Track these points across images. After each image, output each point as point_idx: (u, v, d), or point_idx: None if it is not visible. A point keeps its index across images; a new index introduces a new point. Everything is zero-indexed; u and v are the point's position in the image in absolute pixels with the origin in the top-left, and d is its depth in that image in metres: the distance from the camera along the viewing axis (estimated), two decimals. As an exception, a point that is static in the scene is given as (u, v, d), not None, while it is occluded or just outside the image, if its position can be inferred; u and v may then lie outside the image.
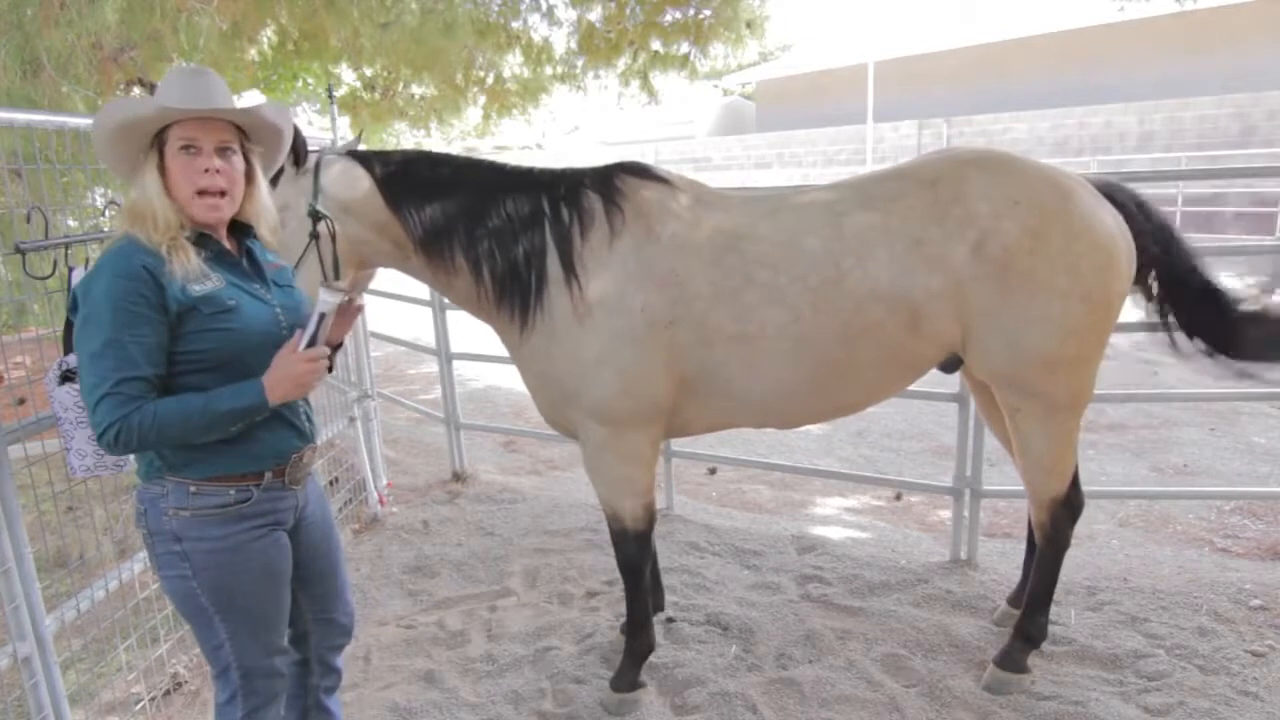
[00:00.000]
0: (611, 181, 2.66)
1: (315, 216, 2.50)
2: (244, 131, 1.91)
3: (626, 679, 2.91)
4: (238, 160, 1.87)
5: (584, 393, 2.61)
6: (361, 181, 2.59)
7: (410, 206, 2.59)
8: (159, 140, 1.81)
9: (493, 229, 2.60)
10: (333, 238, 2.53)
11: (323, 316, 1.92)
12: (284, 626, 2.04)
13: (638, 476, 2.75)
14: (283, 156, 2.11)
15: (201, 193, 1.81)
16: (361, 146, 2.81)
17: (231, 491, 1.87)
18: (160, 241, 1.77)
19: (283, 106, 1.99)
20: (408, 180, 2.62)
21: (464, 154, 2.98)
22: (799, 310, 2.53)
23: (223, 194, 1.84)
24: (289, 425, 1.98)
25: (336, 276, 2.56)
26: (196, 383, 1.80)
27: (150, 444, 1.75)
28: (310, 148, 2.61)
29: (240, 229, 1.98)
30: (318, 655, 2.26)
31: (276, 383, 1.82)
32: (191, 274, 1.78)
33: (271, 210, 2.02)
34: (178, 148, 1.80)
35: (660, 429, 2.74)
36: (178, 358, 1.79)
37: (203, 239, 1.86)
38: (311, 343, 1.89)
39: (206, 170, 1.80)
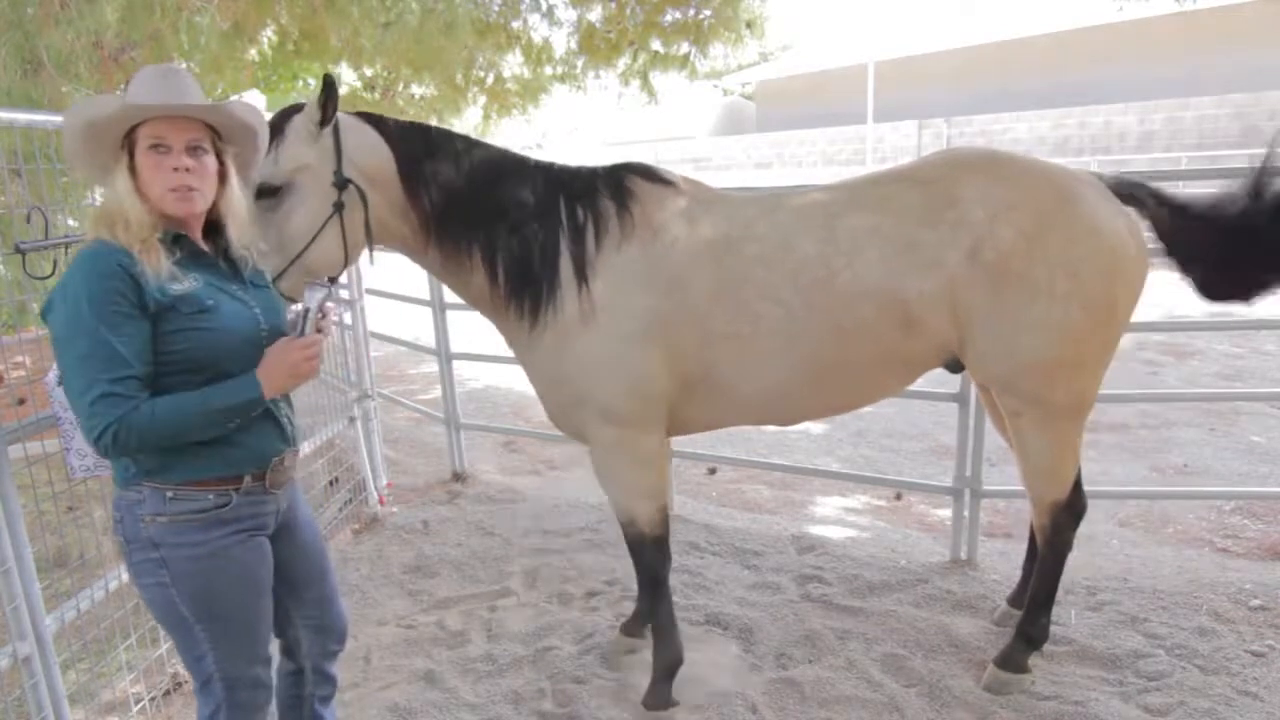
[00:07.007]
0: (622, 183, 2.65)
1: (342, 185, 2.31)
2: (216, 130, 1.87)
3: (660, 695, 2.82)
4: (209, 160, 1.84)
5: (592, 393, 2.61)
6: (385, 151, 2.42)
7: (425, 188, 2.47)
8: (129, 140, 1.78)
9: (511, 225, 2.55)
10: (365, 207, 2.35)
11: (307, 310, 1.91)
12: (267, 634, 2.00)
13: (649, 478, 2.74)
14: (259, 156, 2.04)
15: (173, 189, 1.77)
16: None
17: (210, 496, 1.83)
18: (131, 243, 1.72)
19: (252, 105, 1.95)
20: (429, 156, 2.46)
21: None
22: (791, 308, 2.53)
23: (191, 189, 1.80)
24: (274, 424, 1.95)
25: (367, 249, 2.44)
26: (177, 384, 1.76)
27: (148, 444, 1.72)
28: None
29: (215, 229, 1.94)
30: (312, 663, 2.22)
31: (272, 374, 1.81)
32: (162, 275, 1.74)
33: (242, 210, 1.94)
34: (147, 146, 1.76)
35: (665, 428, 2.74)
36: (157, 358, 1.75)
37: (179, 239, 1.83)
38: (299, 335, 1.88)
39: (176, 169, 1.77)
